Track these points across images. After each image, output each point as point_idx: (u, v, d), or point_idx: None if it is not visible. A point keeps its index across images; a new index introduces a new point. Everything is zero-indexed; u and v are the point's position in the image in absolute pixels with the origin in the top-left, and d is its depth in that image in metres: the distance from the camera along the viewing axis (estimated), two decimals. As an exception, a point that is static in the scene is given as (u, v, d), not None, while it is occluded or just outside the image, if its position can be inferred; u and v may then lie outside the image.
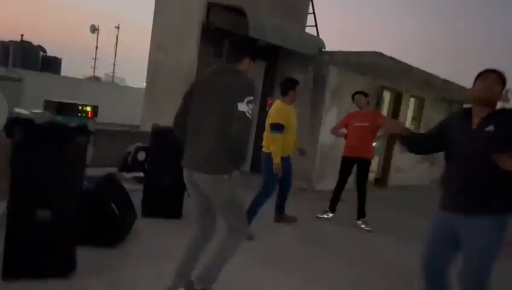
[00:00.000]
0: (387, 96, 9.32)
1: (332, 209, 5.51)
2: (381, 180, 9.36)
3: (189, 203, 4.69)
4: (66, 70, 21.23)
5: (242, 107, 2.35)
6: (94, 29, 22.39)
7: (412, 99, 9.90)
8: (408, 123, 9.99)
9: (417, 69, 7.62)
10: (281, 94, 4.54)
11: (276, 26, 6.80)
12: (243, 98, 2.36)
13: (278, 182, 4.55)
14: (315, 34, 8.82)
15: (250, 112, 2.38)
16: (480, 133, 2.32)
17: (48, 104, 5.27)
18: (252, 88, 2.47)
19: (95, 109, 5.47)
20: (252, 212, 4.24)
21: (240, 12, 6.33)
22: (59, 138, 2.69)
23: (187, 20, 7.07)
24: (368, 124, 5.18)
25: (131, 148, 6.30)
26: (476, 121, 2.37)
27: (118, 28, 23.72)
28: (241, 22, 6.28)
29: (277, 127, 4.29)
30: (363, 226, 5.19)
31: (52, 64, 18.81)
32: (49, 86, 15.83)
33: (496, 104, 2.39)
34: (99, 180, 3.77)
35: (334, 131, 5.69)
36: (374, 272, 3.86)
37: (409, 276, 3.52)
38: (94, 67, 24.15)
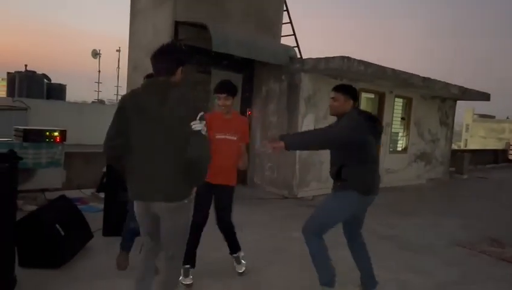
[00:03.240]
0: (370, 98, 9.29)
1: None
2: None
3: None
4: (70, 95, 21.80)
5: (196, 126, 2.26)
6: (96, 53, 22.99)
7: (399, 100, 9.83)
8: (397, 123, 9.91)
9: (391, 70, 7.60)
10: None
11: (243, 39, 6.89)
12: (195, 116, 2.27)
13: None
14: (294, 43, 8.90)
15: (205, 129, 2.30)
16: None
17: (17, 132, 5.47)
18: (198, 102, 2.37)
19: (62, 133, 5.64)
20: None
21: (204, 27, 6.46)
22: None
23: (158, 39, 7.24)
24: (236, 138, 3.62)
25: (105, 168, 6.44)
26: None
27: (118, 51, 24.29)
28: (206, 37, 6.40)
29: None
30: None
31: (56, 91, 19.33)
32: (55, 113, 16.31)
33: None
34: (48, 203, 3.89)
35: None
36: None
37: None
38: (98, 91, 24.73)
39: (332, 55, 6.83)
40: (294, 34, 9.17)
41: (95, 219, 4.51)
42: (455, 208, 7.77)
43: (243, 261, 3.80)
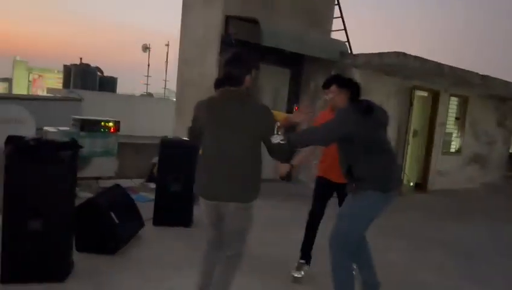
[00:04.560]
0: (423, 96, 8.93)
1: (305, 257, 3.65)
2: (421, 185, 8.91)
3: (199, 211, 4.93)
4: (121, 88, 22.59)
5: (275, 139, 2.42)
6: (146, 48, 23.67)
7: (454, 98, 9.38)
8: (451, 123, 9.47)
9: (448, 66, 7.24)
10: None
11: (293, 34, 6.81)
12: (273, 128, 2.42)
13: None
14: (344, 38, 8.70)
15: (282, 138, 2.44)
16: None
17: (75, 122, 5.70)
18: (270, 113, 2.48)
19: (117, 124, 5.82)
20: None
21: (254, 22, 6.44)
22: (44, 153, 2.94)
23: (209, 34, 7.32)
24: None
25: (156, 160, 6.60)
26: None
27: (167, 45, 24.87)
28: (256, 31, 6.38)
29: None
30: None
31: (108, 84, 20.11)
32: (107, 104, 16.95)
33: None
34: (103, 191, 4.02)
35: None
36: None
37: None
38: (147, 84, 25.45)
39: (385, 51, 6.62)
40: (345, 29, 8.95)
41: (145, 209, 4.61)
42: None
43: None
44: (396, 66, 6.71)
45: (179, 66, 8.10)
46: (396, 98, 7.91)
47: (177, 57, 8.23)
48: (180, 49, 8.13)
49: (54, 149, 2.98)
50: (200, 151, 2.57)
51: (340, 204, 3.42)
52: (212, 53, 7.07)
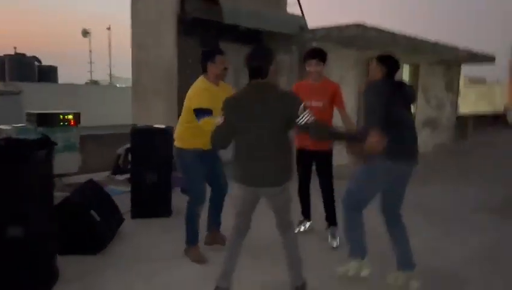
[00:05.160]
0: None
1: (306, 215, 4.22)
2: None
3: (177, 200, 4.79)
4: (62, 77, 21.33)
5: (301, 120, 2.59)
6: (86, 32, 22.36)
7: (406, 66, 9.71)
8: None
9: (402, 35, 7.44)
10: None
11: (253, 10, 6.66)
12: (296, 112, 2.58)
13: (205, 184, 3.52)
14: (299, 13, 8.64)
15: (309, 117, 2.60)
16: None
17: (29, 117, 5.28)
18: (296, 97, 2.67)
19: (76, 116, 5.46)
20: (190, 230, 3.44)
21: (213, 0, 6.21)
22: (18, 153, 2.67)
23: (163, 14, 6.97)
24: (322, 104, 3.79)
25: (121, 150, 6.30)
26: None
27: (109, 29, 23.65)
28: (215, 9, 6.16)
29: (203, 112, 3.16)
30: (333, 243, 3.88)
31: (48, 74, 18.92)
32: (48, 96, 15.95)
33: None
34: (77, 188, 3.77)
35: None
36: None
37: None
38: (91, 72, 24.20)
39: (344, 23, 6.66)
40: (299, 4, 8.90)
41: (119, 202, 4.36)
42: (468, 173, 7.79)
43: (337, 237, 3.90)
44: (355, 37, 6.78)
45: (132, 49, 7.68)
46: (355, 70, 8.04)
47: (123, 40, 7.82)
48: (132, 31, 7.69)
49: (28, 148, 2.72)
50: (234, 141, 2.69)
51: (318, 170, 3.98)
52: (169, 34, 6.76)
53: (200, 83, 3.34)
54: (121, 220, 4.05)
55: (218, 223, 3.70)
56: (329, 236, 3.90)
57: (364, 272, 3.16)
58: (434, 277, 3.31)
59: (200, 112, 3.15)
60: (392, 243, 3.17)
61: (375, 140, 2.67)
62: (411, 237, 3.17)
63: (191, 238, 3.44)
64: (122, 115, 13.69)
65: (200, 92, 3.25)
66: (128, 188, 5.12)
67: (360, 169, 3.09)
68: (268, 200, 2.74)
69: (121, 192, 5.25)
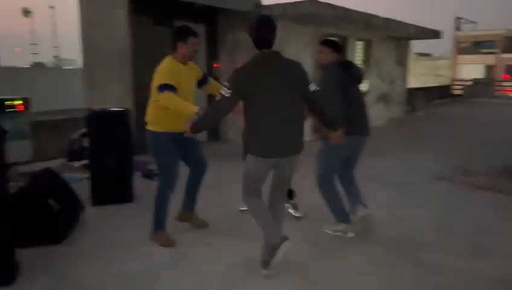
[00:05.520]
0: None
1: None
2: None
3: (139, 185, 4.70)
4: (4, 60, 19.97)
5: (312, 86, 2.77)
6: (27, 12, 20.94)
7: (360, 43, 9.91)
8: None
9: (355, 11, 7.55)
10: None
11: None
12: (308, 79, 2.77)
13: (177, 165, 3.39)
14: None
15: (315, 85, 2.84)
16: None
17: (-28, 104, 4.92)
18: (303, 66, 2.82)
19: (26, 101, 5.16)
20: (159, 215, 3.36)
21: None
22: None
23: (113, -9, 6.65)
24: None
25: (76, 135, 6.05)
26: None
27: (52, 8, 22.26)
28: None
29: (166, 87, 3.09)
30: (291, 211, 4.06)
31: (-13, 57, 17.62)
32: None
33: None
34: (33, 177, 3.60)
35: None
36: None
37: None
38: (34, 54, 22.79)
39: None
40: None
41: (77, 190, 4.21)
42: (421, 144, 8.18)
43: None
44: (310, 14, 6.80)
45: (82, 29, 7.28)
46: (311, 47, 8.09)
47: (70, 20, 7.40)
48: (81, 10, 7.29)
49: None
50: (250, 115, 2.71)
51: None
52: (121, 13, 6.47)
53: (167, 61, 3.24)
54: (82, 208, 3.91)
55: (194, 204, 3.67)
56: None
57: (350, 234, 3.55)
58: (390, 242, 3.51)
59: (162, 87, 3.07)
60: (344, 190, 3.67)
61: (338, 135, 3.13)
62: (370, 206, 3.59)
63: (159, 223, 3.38)
64: (72, 99, 13.08)
65: (165, 69, 3.17)
66: (86, 175, 4.95)
67: (323, 148, 3.48)
68: (282, 169, 2.86)
69: (77, 179, 5.06)
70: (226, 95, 2.62)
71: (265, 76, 2.62)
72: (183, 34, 3.22)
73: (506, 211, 4.32)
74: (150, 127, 3.30)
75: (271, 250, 2.74)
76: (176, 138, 3.24)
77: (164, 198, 3.33)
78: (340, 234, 3.56)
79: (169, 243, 3.35)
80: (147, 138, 3.33)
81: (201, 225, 3.70)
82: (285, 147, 2.72)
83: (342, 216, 3.56)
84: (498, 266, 3.11)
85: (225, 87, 2.65)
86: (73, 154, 6.02)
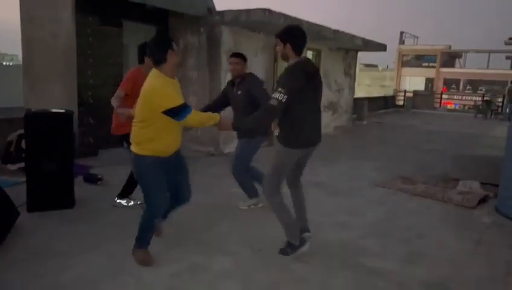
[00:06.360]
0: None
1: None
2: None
3: (80, 189, 4.52)
4: None
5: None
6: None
7: (310, 52, 10.16)
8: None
9: (306, 22, 7.76)
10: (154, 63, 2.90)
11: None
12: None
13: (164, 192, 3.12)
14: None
15: None
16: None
17: None
18: None
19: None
20: (144, 235, 3.12)
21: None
22: None
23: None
24: None
25: (13, 137, 5.71)
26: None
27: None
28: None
29: (186, 109, 2.85)
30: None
31: None
32: None
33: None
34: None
35: (115, 101, 3.87)
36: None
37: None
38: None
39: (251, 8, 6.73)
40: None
41: (12, 194, 3.90)
42: (365, 152, 8.52)
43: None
44: (263, 22, 6.89)
45: (22, 25, 6.88)
46: (263, 55, 8.21)
47: (10, 13, 7.00)
48: (21, 6, 6.90)
49: None
50: (295, 113, 3.00)
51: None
52: (66, 10, 6.20)
53: (159, 78, 2.85)
54: (16, 214, 3.68)
55: (165, 216, 3.42)
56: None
57: (261, 204, 4.33)
58: (334, 246, 3.63)
59: (182, 111, 2.81)
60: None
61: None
62: (314, 212, 3.69)
63: (144, 241, 3.13)
64: (9, 97, 12.30)
65: (166, 87, 2.83)
66: (23, 179, 4.68)
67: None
68: (305, 158, 3.30)
69: (12, 183, 4.78)
70: (283, 101, 2.85)
71: (311, 78, 3.06)
72: (168, 42, 2.89)
73: (441, 217, 4.59)
74: (136, 150, 2.98)
75: (291, 249, 3.28)
76: (162, 162, 3.00)
77: (150, 224, 3.11)
78: (253, 206, 4.43)
79: (147, 262, 3.11)
80: (132, 160, 3.04)
81: (159, 232, 3.49)
82: (318, 137, 3.22)
83: (253, 191, 4.43)
84: (428, 270, 3.30)
85: (280, 92, 2.86)
86: (9, 157, 5.69)
